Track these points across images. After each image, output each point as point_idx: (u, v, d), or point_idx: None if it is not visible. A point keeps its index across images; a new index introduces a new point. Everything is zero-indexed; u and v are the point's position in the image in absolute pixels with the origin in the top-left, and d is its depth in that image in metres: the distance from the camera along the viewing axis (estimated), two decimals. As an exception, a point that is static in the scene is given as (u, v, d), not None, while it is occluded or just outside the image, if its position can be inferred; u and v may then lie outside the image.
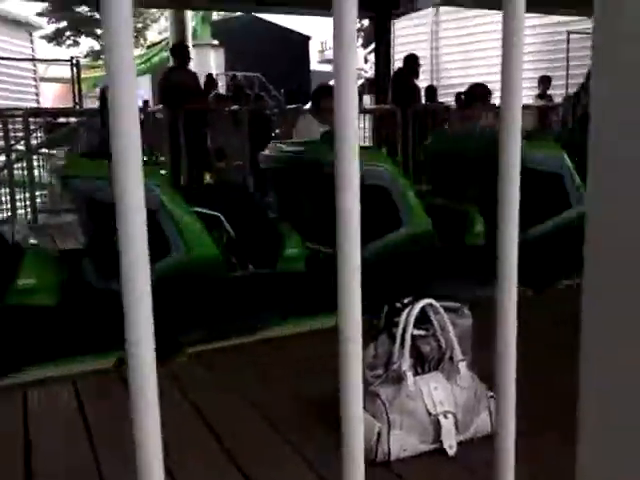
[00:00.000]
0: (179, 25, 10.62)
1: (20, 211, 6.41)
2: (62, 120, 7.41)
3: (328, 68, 18.84)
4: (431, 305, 1.81)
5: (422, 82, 9.57)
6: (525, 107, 8.17)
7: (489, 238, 3.40)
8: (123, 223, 0.37)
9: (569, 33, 9.80)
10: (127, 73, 0.37)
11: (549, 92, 8.71)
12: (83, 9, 23.71)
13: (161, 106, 6.23)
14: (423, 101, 7.91)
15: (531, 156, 3.47)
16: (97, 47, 25.34)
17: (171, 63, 7.35)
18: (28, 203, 6.32)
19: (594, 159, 0.55)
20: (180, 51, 6.91)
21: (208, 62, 13.25)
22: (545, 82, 8.66)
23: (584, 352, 0.60)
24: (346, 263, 0.44)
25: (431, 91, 8.62)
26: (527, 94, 8.79)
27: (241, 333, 2.74)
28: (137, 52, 20.95)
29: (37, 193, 6.56)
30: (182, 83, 6.39)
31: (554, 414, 1.77)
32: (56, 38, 24.40)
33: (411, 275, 3.12)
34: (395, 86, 7.31)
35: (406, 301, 1.82)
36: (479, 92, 4.94)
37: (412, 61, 7.49)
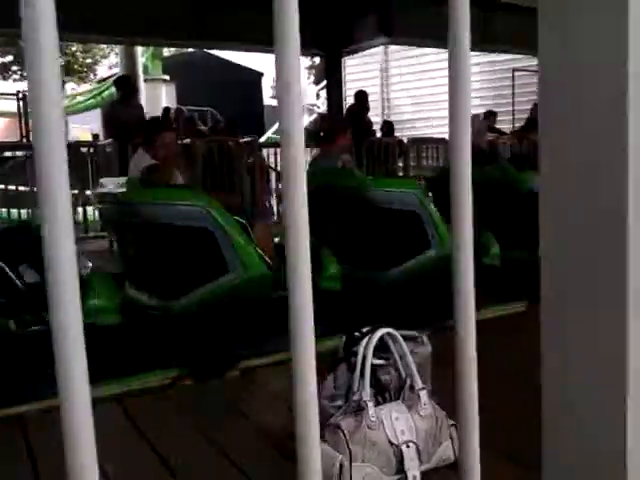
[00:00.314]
0: (129, 60, 10.60)
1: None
2: (8, 154, 7.23)
3: (280, 103, 19.02)
4: (389, 334, 1.80)
5: (373, 117, 9.78)
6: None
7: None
8: (53, 261, 0.36)
9: (514, 70, 10.21)
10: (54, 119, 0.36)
11: (497, 126, 9.00)
12: (31, 43, 23.41)
13: (110, 140, 6.13)
14: (379, 135, 8.06)
15: (387, 194, 3.63)
16: (45, 82, 25.01)
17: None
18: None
19: (545, 172, 0.56)
20: (123, 83, 6.82)
21: (160, 97, 13.22)
22: (490, 117, 8.96)
23: (545, 372, 0.60)
24: (299, 296, 0.43)
25: (388, 126, 8.76)
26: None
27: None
28: (87, 87, 20.75)
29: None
30: (127, 115, 6.33)
31: (510, 444, 1.79)
32: (1, 72, 23.97)
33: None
34: (349, 122, 7.43)
35: (365, 330, 1.81)
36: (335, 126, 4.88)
37: (362, 97, 7.65)
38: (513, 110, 10.09)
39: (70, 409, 0.37)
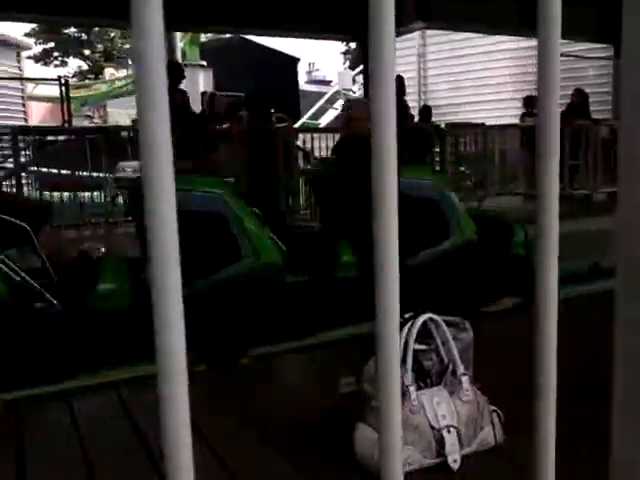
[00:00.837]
0: (168, 46, 10.70)
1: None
2: (51, 138, 7.40)
3: (315, 88, 19.02)
4: (432, 319, 1.81)
5: (410, 103, 9.68)
6: (510, 126, 8.31)
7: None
8: (157, 233, 0.38)
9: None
10: (158, 83, 0.37)
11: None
12: (71, 30, 23.80)
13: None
14: (416, 121, 7.97)
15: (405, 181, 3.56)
16: (85, 67, 25.40)
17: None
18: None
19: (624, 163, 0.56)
20: (173, 69, 6.78)
21: (197, 82, 13.32)
22: (531, 102, 8.80)
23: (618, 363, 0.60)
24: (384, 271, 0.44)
25: (426, 110, 8.61)
26: (512, 114, 8.94)
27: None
28: (125, 73, 21.02)
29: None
30: (174, 101, 6.38)
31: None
32: (43, 58, 24.44)
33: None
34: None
35: (407, 316, 1.82)
36: None
37: (398, 81, 7.58)
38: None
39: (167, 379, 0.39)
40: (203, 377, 2.40)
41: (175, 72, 6.65)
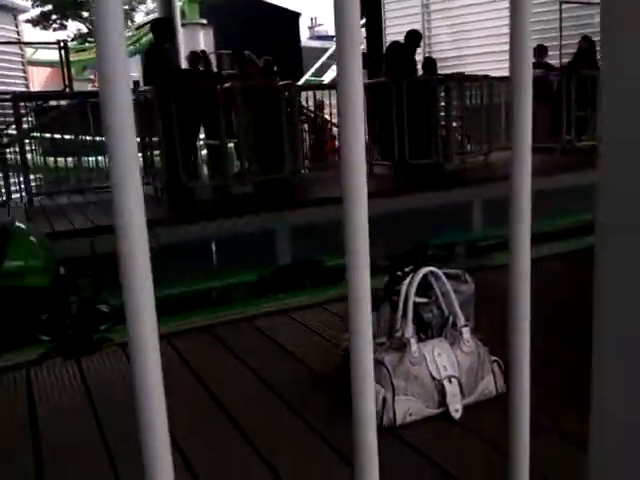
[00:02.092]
0: (166, 4, 10.48)
1: (15, 195, 6.38)
2: (53, 103, 7.34)
3: (318, 44, 18.68)
4: (432, 272, 1.81)
5: (417, 55, 9.46)
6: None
7: None
8: (122, 209, 0.37)
9: (561, 3, 9.71)
10: (118, 56, 0.37)
11: (547, 60, 8.65)
12: (68, -9, 23.37)
13: (150, 87, 6.09)
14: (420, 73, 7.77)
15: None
16: (84, 30, 25.02)
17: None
18: (23, 187, 6.28)
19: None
20: (159, 26, 6.62)
21: (197, 41, 13.11)
22: (541, 51, 8.60)
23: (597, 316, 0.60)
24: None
25: (430, 63, 8.33)
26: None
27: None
28: (125, 34, 20.65)
29: (31, 177, 6.52)
30: (165, 61, 6.27)
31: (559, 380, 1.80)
32: (42, 21, 24.07)
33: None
34: (389, 60, 7.24)
35: (407, 269, 1.83)
36: None
37: (415, 37, 7.41)
38: (560, 44, 9.64)
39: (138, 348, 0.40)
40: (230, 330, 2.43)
41: (162, 30, 6.47)
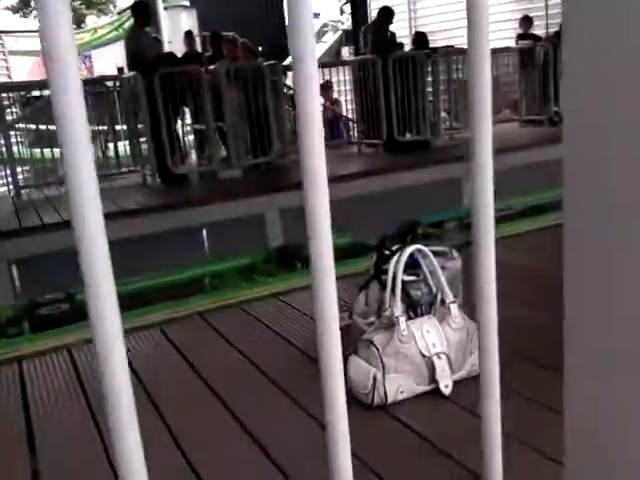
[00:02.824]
0: (148, -13, 10.31)
1: (2, 188, 6.33)
2: (36, 93, 7.26)
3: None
4: (419, 250, 1.81)
5: (402, 30, 9.39)
6: (504, 49, 8.09)
7: None
8: (78, 210, 0.37)
9: (546, -29, 9.63)
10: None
11: (532, 32, 8.59)
12: (47, -23, 22.93)
13: (134, 72, 6.02)
14: (409, 49, 7.67)
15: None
16: (66, 16, 24.65)
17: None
18: (10, 179, 6.23)
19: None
20: (139, 10, 6.46)
21: (180, 24, 12.95)
22: (526, 22, 8.54)
23: (568, 288, 0.60)
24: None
25: (421, 37, 8.04)
26: (510, 36, 8.69)
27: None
28: (108, 19, 20.42)
29: (18, 169, 6.47)
30: (149, 45, 6.18)
31: (530, 347, 1.83)
32: (21, 8, 23.68)
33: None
34: (373, 36, 7.18)
35: (394, 248, 1.83)
36: None
37: (387, 12, 7.32)
38: (547, 14, 9.58)
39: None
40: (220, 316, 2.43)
41: (142, 13, 6.34)
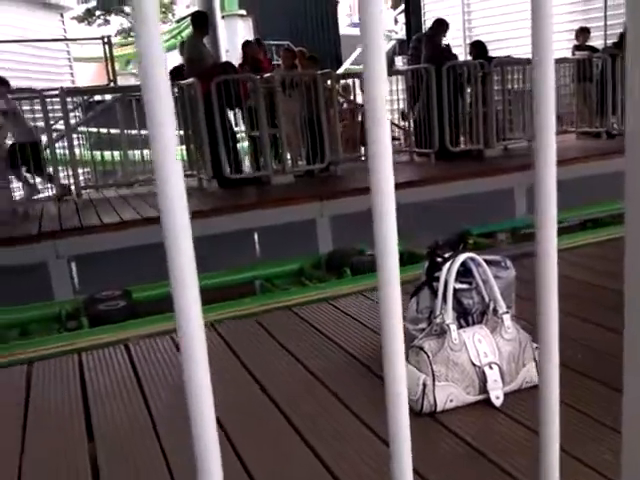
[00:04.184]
0: (206, -3, 10.56)
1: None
2: (98, 98, 7.52)
3: (357, 32, 18.49)
4: (472, 259, 1.81)
5: (456, 40, 9.32)
6: (561, 60, 7.93)
7: None
8: (167, 208, 0.40)
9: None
10: (156, 49, 0.39)
11: (589, 43, 8.41)
12: (111, -13, 23.78)
13: (192, 79, 6.18)
14: (470, 57, 7.58)
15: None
16: (126, 25, 25.45)
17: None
18: (72, 180, 6.48)
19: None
20: (199, 19, 6.61)
21: (236, 32, 13.20)
22: (584, 33, 8.36)
23: (629, 304, 0.60)
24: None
25: (479, 47, 7.76)
26: (566, 47, 8.52)
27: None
28: (166, 27, 20.97)
29: (80, 170, 6.71)
30: (206, 53, 6.32)
31: (593, 364, 1.79)
32: (86, 18, 24.61)
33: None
34: (427, 45, 7.15)
35: (447, 255, 1.83)
36: None
37: (441, 24, 7.30)
38: (605, 25, 9.35)
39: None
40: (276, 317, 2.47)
41: (201, 22, 6.48)
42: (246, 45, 7.44)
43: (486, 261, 1.82)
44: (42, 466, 1.58)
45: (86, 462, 1.56)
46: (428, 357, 1.68)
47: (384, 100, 0.45)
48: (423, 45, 7.17)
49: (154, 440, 1.62)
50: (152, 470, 1.51)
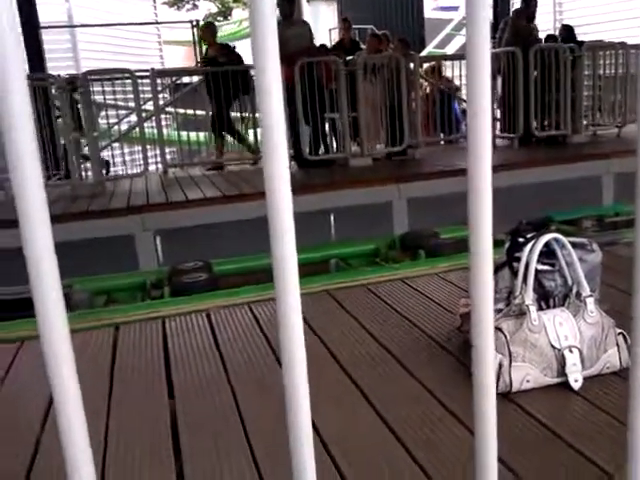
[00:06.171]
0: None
1: (152, 166, 6.85)
2: (186, 80, 7.75)
3: (442, 15, 18.12)
4: (557, 240, 1.76)
5: (546, 23, 8.96)
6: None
7: None
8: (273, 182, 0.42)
9: None
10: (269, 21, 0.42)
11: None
12: (200, -27, 24.30)
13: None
14: (559, 42, 7.31)
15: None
16: (214, 9, 26.01)
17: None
18: (159, 159, 6.74)
19: None
20: (287, 3, 6.64)
21: (320, 17, 13.23)
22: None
23: (637, 312, 0.58)
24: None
25: (568, 31, 7.56)
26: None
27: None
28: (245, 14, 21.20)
29: (167, 150, 6.97)
30: (291, 37, 6.37)
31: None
32: (176, 3, 25.31)
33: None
34: (513, 29, 6.92)
35: (529, 235, 1.79)
36: None
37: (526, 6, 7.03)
38: None
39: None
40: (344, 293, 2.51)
41: (285, 6, 6.51)
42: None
43: (571, 243, 1.77)
44: (127, 417, 1.68)
45: (166, 416, 1.66)
46: (505, 337, 1.66)
47: (488, 88, 0.46)
48: (508, 28, 6.95)
49: (229, 394, 1.71)
50: (223, 418, 1.61)
